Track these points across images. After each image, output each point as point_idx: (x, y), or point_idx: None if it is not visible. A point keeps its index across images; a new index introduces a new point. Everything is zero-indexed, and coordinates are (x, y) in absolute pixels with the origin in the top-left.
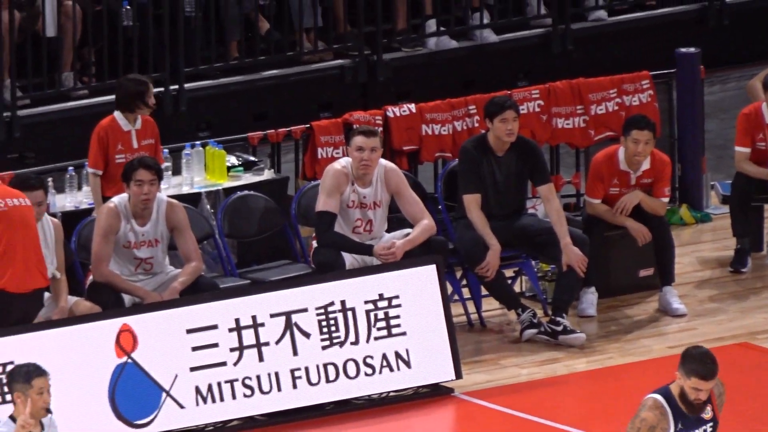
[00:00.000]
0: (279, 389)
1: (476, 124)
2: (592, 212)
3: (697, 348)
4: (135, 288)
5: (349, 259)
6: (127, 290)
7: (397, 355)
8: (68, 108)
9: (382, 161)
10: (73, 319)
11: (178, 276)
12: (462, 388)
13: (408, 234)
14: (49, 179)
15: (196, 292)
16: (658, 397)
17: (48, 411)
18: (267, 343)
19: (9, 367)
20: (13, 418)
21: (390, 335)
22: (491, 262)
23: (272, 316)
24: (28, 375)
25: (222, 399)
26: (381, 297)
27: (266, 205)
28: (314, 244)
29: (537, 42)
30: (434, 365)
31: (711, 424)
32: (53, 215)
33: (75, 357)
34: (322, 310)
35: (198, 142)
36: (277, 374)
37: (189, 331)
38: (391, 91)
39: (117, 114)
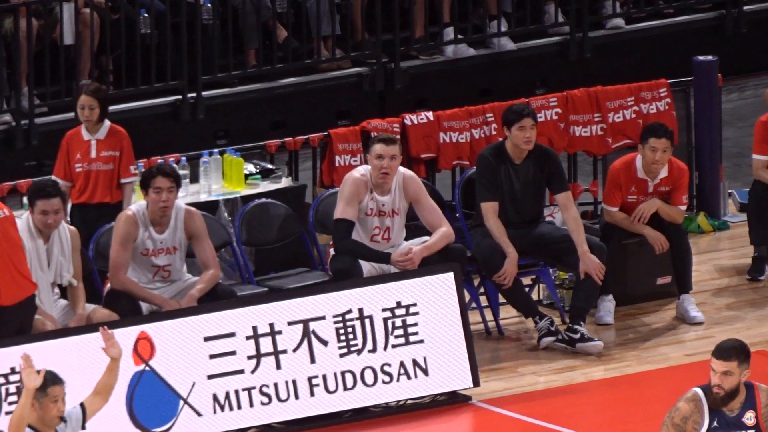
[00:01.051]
0: (296, 397)
1: (494, 132)
2: (610, 220)
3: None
4: (153, 296)
5: (367, 267)
6: (144, 298)
7: (415, 363)
8: None
9: (401, 169)
10: (90, 326)
11: (195, 284)
12: (479, 396)
13: (426, 241)
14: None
15: (214, 299)
16: (698, 390)
17: (62, 419)
18: (284, 351)
19: None
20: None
21: (407, 343)
22: (508, 270)
23: (290, 323)
24: (44, 383)
25: (239, 407)
26: (398, 305)
27: (284, 212)
28: (332, 251)
29: (555, 50)
30: (452, 373)
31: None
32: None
33: (93, 364)
34: (340, 318)
35: (216, 150)
36: (294, 382)
37: (206, 339)
38: (409, 98)
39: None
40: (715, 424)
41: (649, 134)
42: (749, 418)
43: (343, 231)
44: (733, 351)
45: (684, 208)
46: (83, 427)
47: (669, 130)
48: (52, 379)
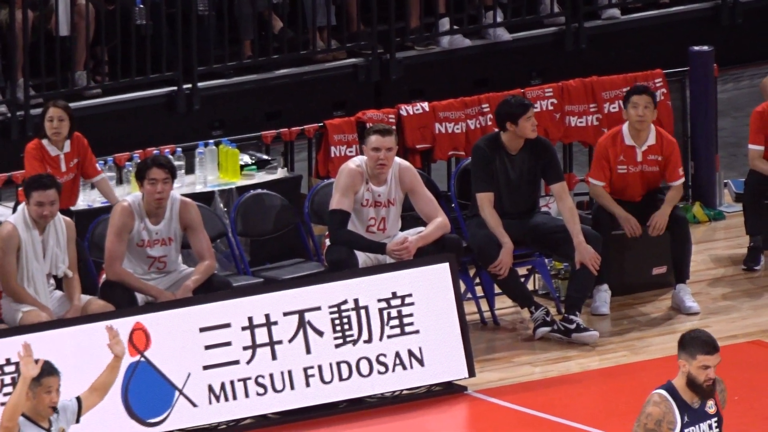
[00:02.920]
0: (292, 387)
1: (489, 123)
2: (593, 194)
3: (692, 331)
4: (148, 287)
5: (363, 258)
6: (140, 289)
7: (410, 353)
8: (81, 107)
9: (397, 159)
10: (86, 317)
11: (191, 275)
12: (475, 386)
13: (421, 231)
14: None
15: (209, 290)
16: (662, 391)
17: (54, 410)
18: (280, 342)
19: None
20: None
21: (403, 333)
22: (504, 260)
23: (285, 314)
24: (39, 373)
25: (235, 397)
26: (394, 295)
27: (279, 203)
28: (327, 242)
29: (550, 40)
30: (447, 363)
31: (716, 419)
32: (68, 212)
33: (88, 355)
34: (335, 309)
35: (211, 141)
36: (290, 372)
37: (202, 330)
38: (405, 89)
39: (44, 140)
40: (686, 419)
41: (630, 94)
42: (710, 406)
43: (339, 222)
44: (717, 343)
45: (682, 180)
46: (77, 421)
47: (649, 89)
48: (47, 370)
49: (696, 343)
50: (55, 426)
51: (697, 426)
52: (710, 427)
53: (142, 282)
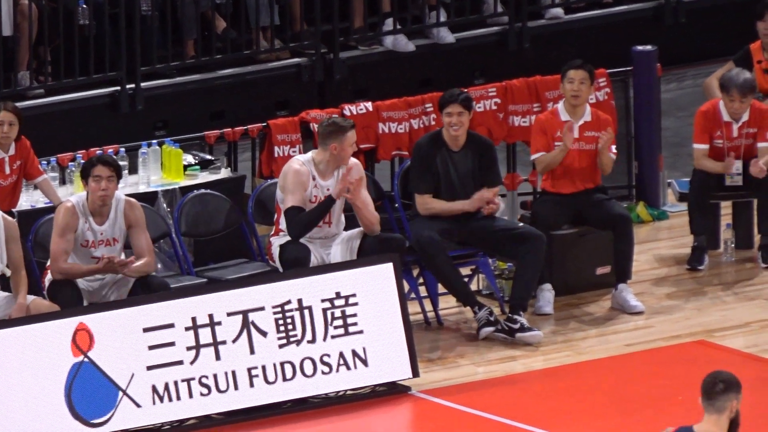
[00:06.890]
0: (236, 388)
1: (433, 123)
2: (538, 162)
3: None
4: (96, 267)
5: (312, 259)
6: (89, 272)
7: (354, 354)
8: (24, 107)
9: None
10: (29, 317)
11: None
12: (419, 386)
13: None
14: None
15: (149, 292)
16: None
17: None
18: (224, 342)
19: None
20: None
21: (347, 333)
22: (485, 196)
23: (229, 314)
24: None
25: (179, 398)
26: (338, 295)
27: (223, 203)
28: (272, 241)
29: (493, 40)
30: (391, 363)
31: None
32: (10, 213)
33: (31, 355)
34: (279, 309)
35: (154, 141)
36: (234, 373)
37: (146, 330)
38: (348, 89)
39: None
40: None
41: (567, 68)
42: None
43: (295, 217)
44: (715, 384)
45: (614, 156)
46: None
47: (587, 64)
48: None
49: (702, 386)
50: None
51: None
52: None
53: (90, 266)
